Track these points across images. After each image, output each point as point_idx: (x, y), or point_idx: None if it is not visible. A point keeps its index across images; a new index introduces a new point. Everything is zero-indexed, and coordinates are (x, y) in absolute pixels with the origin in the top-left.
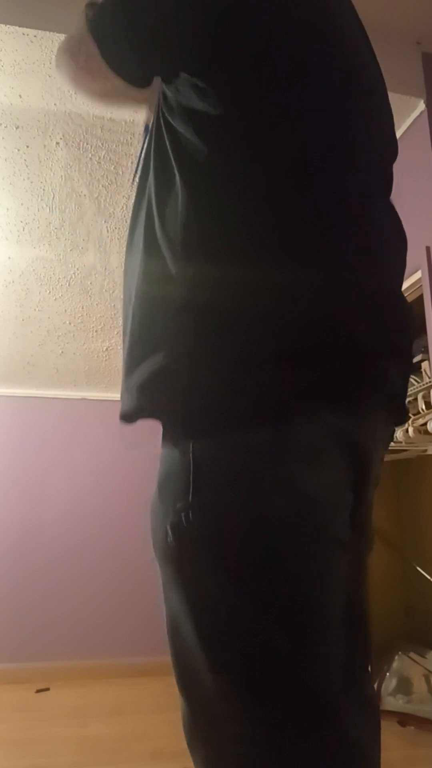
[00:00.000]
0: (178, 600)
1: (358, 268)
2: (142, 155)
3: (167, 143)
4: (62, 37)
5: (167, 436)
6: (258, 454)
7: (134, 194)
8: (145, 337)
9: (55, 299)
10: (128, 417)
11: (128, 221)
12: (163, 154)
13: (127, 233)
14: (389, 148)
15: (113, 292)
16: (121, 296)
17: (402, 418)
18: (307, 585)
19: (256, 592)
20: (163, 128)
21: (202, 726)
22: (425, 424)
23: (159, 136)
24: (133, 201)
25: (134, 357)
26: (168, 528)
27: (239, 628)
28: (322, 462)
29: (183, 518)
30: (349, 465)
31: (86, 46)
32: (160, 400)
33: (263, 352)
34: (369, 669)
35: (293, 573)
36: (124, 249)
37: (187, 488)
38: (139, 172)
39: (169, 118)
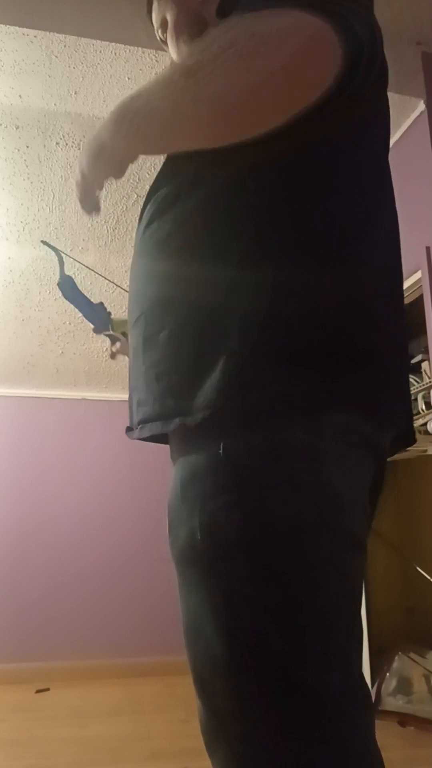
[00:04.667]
0: (199, 600)
1: (367, 269)
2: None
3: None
4: (62, 37)
5: (190, 438)
6: (289, 454)
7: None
8: (173, 341)
9: (55, 299)
10: (163, 419)
11: (129, 221)
12: (181, 159)
13: (126, 234)
14: (387, 145)
15: (113, 292)
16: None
17: (410, 420)
18: (317, 586)
19: (265, 594)
20: None
21: (218, 726)
22: (425, 424)
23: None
24: (142, 204)
25: (165, 362)
26: (197, 528)
27: (259, 628)
28: (345, 464)
29: (211, 519)
30: (370, 466)
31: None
32: (186, 401)
33: (287, 354)
34: (361, 666)
35: (303, 574)
36: (124, 249)
37: (218, 488)
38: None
39: None
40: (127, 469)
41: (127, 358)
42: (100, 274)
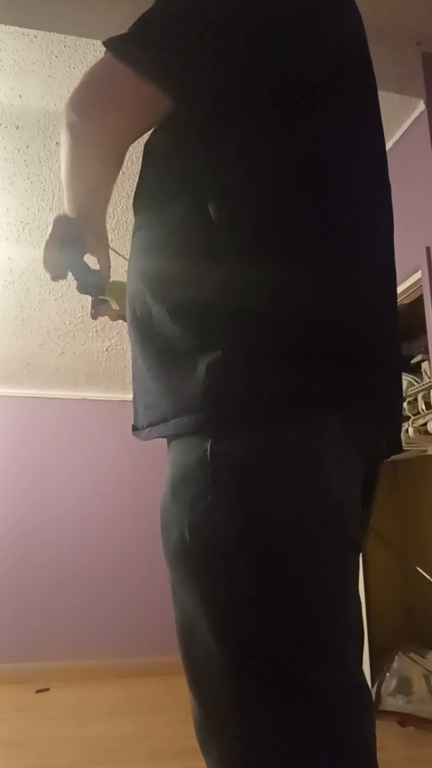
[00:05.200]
0: (192, 600)
1: (367, 269)
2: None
3: (171, 149)
4: (62, 37)
5: (181, 438)
6: (289, 454)
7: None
8: (170, 342)
9: (55, 299)
10: (162, 420)
11: (129, 221)
12: (169, 159)
13: (126, 234)
14: (383, 147)
15: None
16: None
17: (400, 422)
18: (317, 586)
19: (265, 594)
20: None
21: (214, 727)
22: (425, 424)
23: (166, 144)
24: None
25: (163, 363)
26: (185, 529)
27: (247, 628)
28: (344, 464)
29: (202, 519)
30: (357, 469)
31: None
32: (184, 401)
33: (287, 353)
34: (362, 666)
35: (303, 574)
36: (124, 248)
37: (206, 490)
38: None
39: (171, 126)
40: (127, 469)
41: (108, 320)
42: (119, 254)
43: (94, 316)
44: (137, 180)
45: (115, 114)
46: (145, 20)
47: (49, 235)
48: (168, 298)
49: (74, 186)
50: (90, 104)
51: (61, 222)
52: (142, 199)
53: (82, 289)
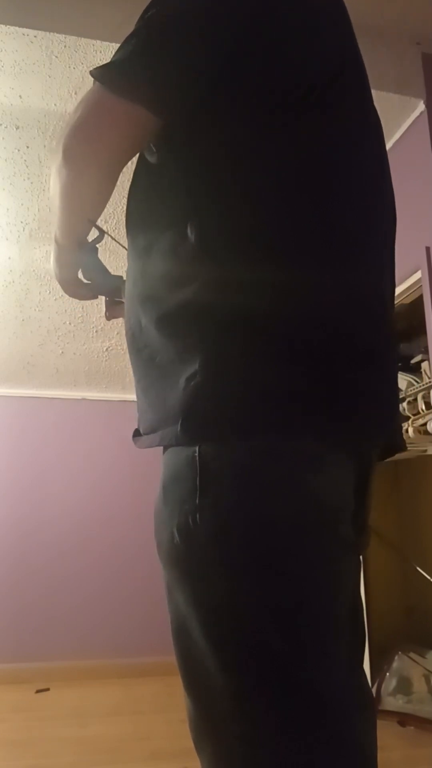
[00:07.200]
0: (185, 601)
1: (367, 269)
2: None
3: (172, 150)
4: (62, 37)
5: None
6: (266, 457)
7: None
8: (165, 345)
9: (55, 299)
10: (153, 428)
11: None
12: (167, 160)
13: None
14: (383, 147)
15: None
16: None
17: (399, 421)
18: (316, 585)
19: (264, 593)
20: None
21: (209, 725)
22: (425, 424)
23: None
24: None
25: (159, 368)
26: (174, 530)
27: (247, 628)
28: (328, 465)
29: (190, 520)
30: (352, 469)
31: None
32: (169, 411)
33: (271, 357)
34: (363, 666)
35: (302, 574)
36: (124, 249)
37: (195, 490)
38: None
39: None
40: (127, 469)
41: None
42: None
43: (109, 318)
44: (133, 183)
45: (111, 135)
46: (141, 27)
47: (62, 276)
48: (156, 305)
49: (74, 216)
50: (85, 130)
51: (65, 256)
52: (135, 200)
53: (100, 291)
